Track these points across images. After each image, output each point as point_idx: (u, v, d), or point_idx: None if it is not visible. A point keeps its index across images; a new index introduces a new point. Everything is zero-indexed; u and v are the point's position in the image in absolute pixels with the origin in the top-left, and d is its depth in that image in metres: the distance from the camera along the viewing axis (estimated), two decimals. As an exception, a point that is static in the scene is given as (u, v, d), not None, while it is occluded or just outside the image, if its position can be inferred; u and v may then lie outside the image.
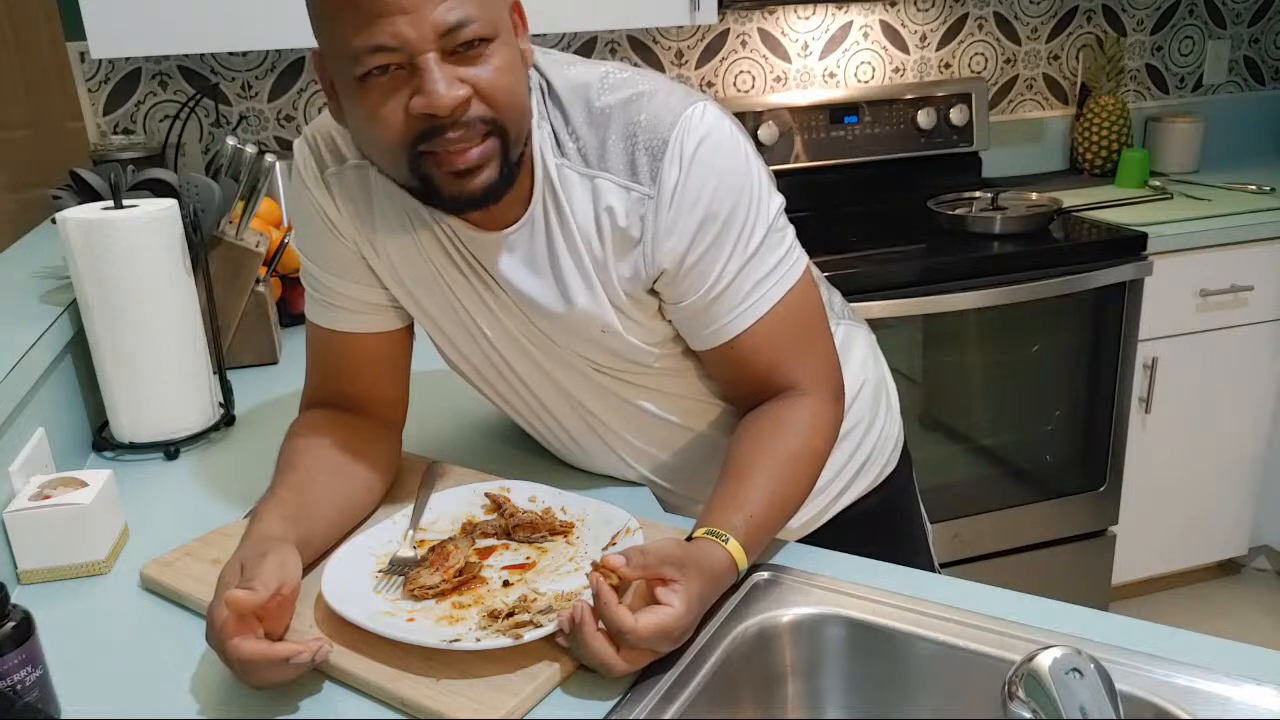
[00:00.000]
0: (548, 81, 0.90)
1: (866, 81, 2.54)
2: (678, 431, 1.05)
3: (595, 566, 0.77)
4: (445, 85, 0.78)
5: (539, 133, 0.89)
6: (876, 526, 1.17)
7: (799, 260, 0.96)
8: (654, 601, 0.77)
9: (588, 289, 0.92)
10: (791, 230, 0.97)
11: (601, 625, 0.75)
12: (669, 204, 0.88)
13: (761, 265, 0.92)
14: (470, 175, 0.83)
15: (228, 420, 1.32)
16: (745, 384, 0.97)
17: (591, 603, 0.76)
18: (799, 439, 0.93)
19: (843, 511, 1.14)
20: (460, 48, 0.79)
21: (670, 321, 0.96)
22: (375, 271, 1.00)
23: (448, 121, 0.80)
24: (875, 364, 1.20)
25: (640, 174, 0.88)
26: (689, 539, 0.84)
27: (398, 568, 0.89)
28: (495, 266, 0.93)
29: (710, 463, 0.98)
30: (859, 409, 1.13)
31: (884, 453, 1.18)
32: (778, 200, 0.95)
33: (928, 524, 1.29)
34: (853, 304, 1.25)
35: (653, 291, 0.94)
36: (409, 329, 1.07)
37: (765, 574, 0.90)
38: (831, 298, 1.16)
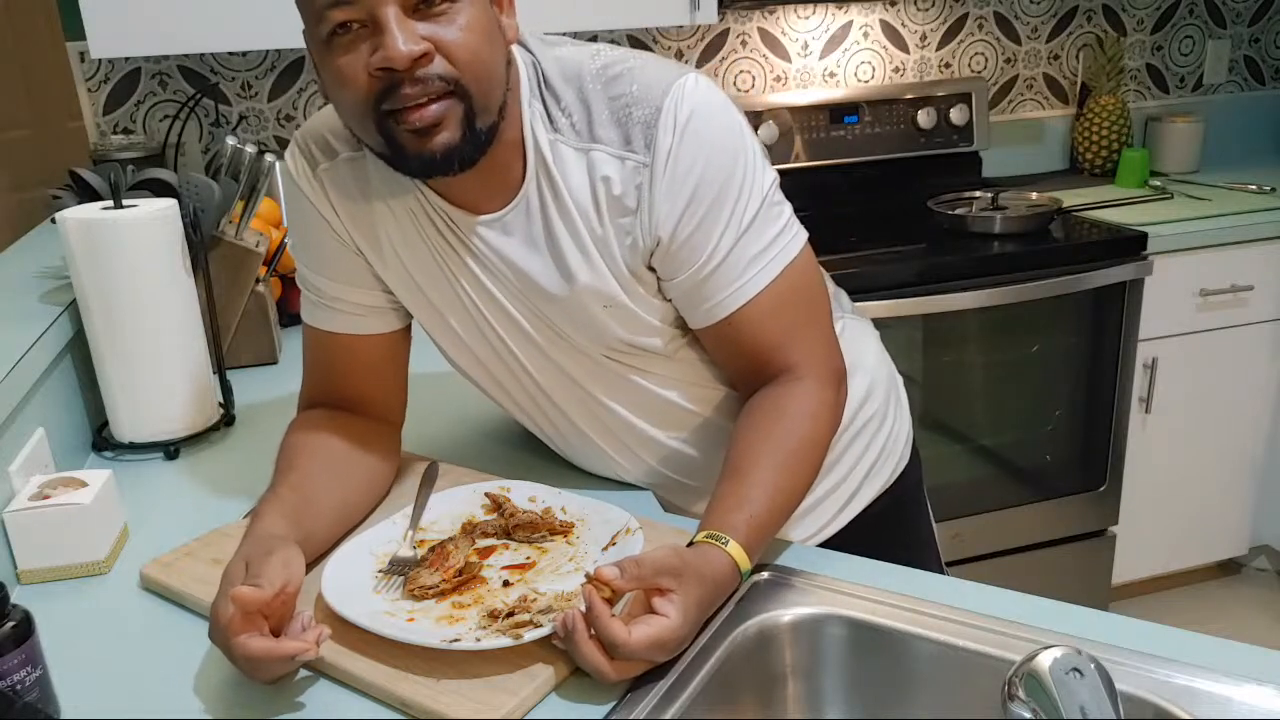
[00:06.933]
0: (538, 61, 0.91)
1: (866, 81, 2.54)
2: (685, 416, 1.03)
3: (589, 578, 0.76)
4: (403, 39, 0.78)
5: (530, 111, 0.89)
6: (890, 527, 1.16)
7: (796, 236, 0.95)
8: (651, 610, 0.76)
9: (587, 264, 0.91)
10: (788, 206, 0.95)
11: (594, 632, 0.75)
12: (663, 170, 0.87)
13: (756, 240, 0.91)
14: (430, 134, 0.82)
15: (228, 420, 1.32)
16: (743, 364, 0.96)
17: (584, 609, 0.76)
18: (799, 429, 0.91)
19: (858, 516, 1.13)
20: (422, 4, 0.80)
21: (670, 300, 0.95)
22: (376, 270, 1.00)
23: (406, 76, 0.80)
24: (886, 361, 1.19)
25: (635, 143, 0.88)
26: (691, 543, 0.84)
27: (398, 568, 0.89)
28: (495, 250, 0.93)
29: (719, 450, 0.97)
30: (872, 407, 1.12)
31: (896, 451, 1.17)
32: (771, 174, 0.93)
33: (933, 522, 1.28)
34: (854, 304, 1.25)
35: (651, 268, 0.93)
36: (406, 330, 1.07)
37: (765, 574, 0.90)
38: (839, 295, 1.15)
